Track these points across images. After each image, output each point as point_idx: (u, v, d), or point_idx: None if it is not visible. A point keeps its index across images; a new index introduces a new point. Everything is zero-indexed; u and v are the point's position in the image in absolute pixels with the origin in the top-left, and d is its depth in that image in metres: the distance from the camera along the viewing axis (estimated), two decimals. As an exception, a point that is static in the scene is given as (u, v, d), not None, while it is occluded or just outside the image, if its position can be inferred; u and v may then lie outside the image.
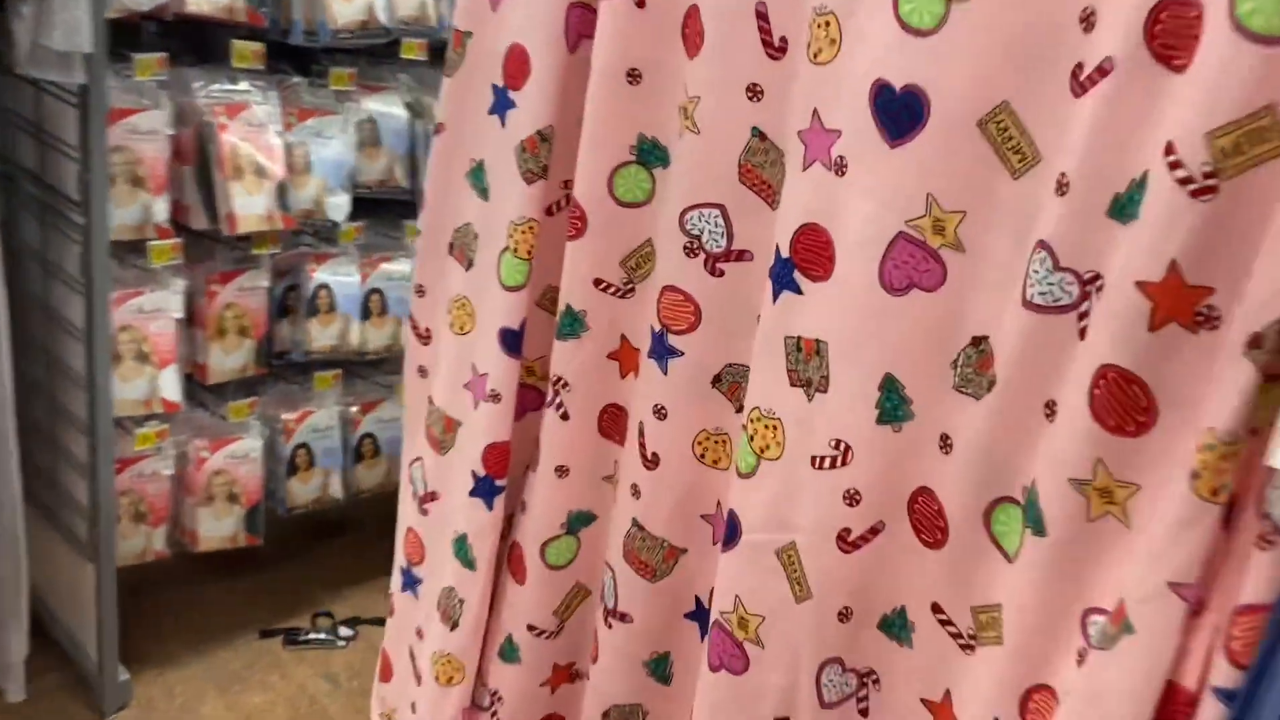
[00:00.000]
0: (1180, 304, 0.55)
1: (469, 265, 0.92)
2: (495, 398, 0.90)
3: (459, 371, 0.94)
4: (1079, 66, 0.59)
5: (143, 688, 1.41)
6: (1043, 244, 0.61)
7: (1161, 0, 0.54)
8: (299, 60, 1.50)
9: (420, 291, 0.97)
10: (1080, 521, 0.61)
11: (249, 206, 1.37)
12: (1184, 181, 0.53)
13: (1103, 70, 0.57)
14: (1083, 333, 0.61)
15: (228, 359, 1.45)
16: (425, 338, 0.98)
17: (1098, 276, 0.59)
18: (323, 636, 1.58)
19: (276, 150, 1.40)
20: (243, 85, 1.38)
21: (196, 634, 1.53)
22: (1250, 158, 0.52)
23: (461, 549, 0.95)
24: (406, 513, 1.02)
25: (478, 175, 0.90)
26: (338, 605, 1.64)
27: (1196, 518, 0.53)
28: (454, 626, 0.96)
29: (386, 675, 1.09)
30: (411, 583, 1.03)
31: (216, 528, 1.47)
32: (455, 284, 0.93)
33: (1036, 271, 0.61)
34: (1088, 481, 0.60)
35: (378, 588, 0.99)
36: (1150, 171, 0.55)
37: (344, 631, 1.59)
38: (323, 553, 1.77)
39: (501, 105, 0.86)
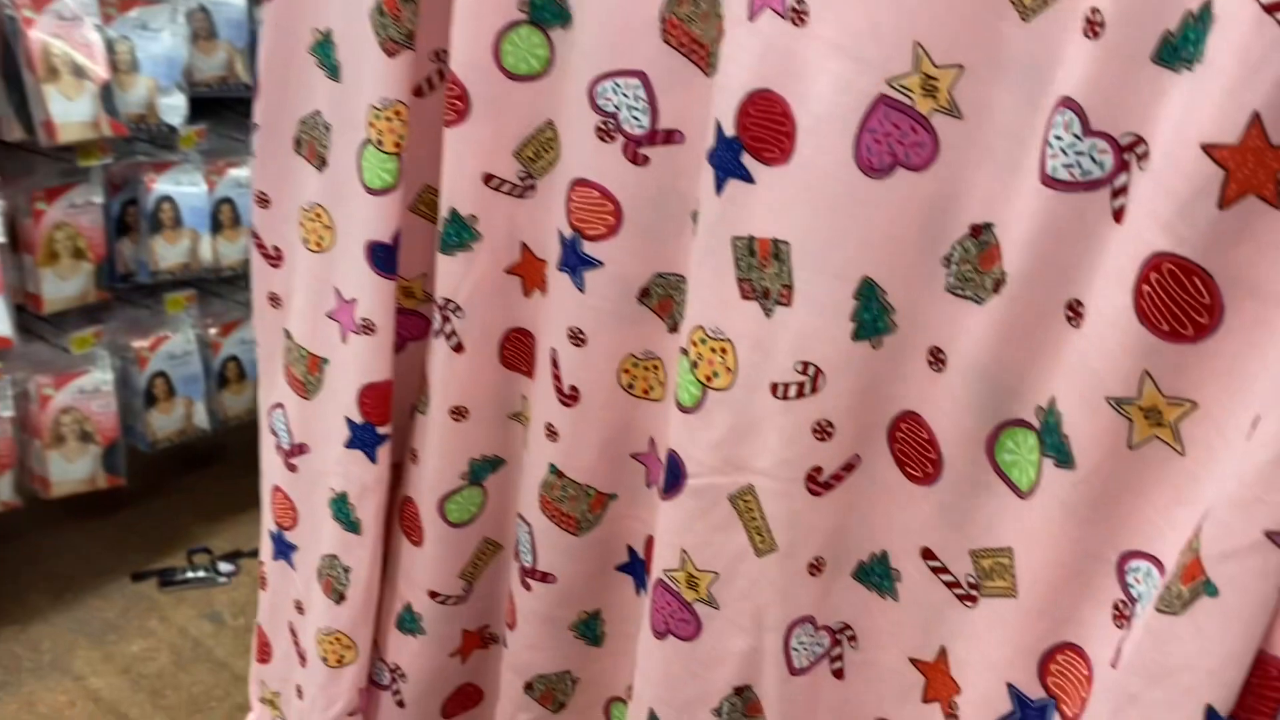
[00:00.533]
0: (1262, 170, 0.43)
1: (322, 165, 0.74)
2: (368, 328, 0.73)
3: (320, 297, 0.76)
4: None
5: (3, 645, 1.29)
6: (1067, 102, 0.48)
7: None
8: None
9: (263, 201, 0.79)
10: (1119, 449, 0.49)
11: (69, 113, 1.23)
12: (1271, 8, 0.40)
13: None
14: (1119, 214, 0.48)
15: (64, 285, 1.33)
16: (274, 258, 0.80)
17: (1139, 141, 0.47)
18: (201, 575, 1.48)
19: (96, 47, 1.25)
20: (47, -30, 1.19)
21: (61, 584, 1.41)
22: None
23: (342, 510, 0.79)
24: (271, 469, 0.86)
25: (324, 50, 0.71)
26: (215, 540, 1.54)
27: None
28: (340, 599, 0.81)
29: (264, 655, 0.93)
30: (285, 550, 0.87)
31: (70, 470, 1.37)
32: (307, 189, 0.75)
33: (1060, 138, 0.48)
34: (1130, 400, 0.48)
35: (256, 518, 0.88)
36: (1215, 1, 0.42)
37: (224, 567, 1.50)
38: (193, 486, 1.68)
39: (348, -43, 0.67)
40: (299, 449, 0.82)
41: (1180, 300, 0.46)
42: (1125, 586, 0.51)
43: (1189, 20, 0.44)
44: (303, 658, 0.87)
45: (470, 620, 0.84)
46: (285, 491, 0.85)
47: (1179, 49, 0.45)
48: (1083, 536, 0.52)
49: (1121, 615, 0.51)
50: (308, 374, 0.79)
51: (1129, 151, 0.47)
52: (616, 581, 0.76)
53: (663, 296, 0.67)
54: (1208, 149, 0.43)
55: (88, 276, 1.35)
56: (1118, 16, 0.45)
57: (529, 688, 0.79)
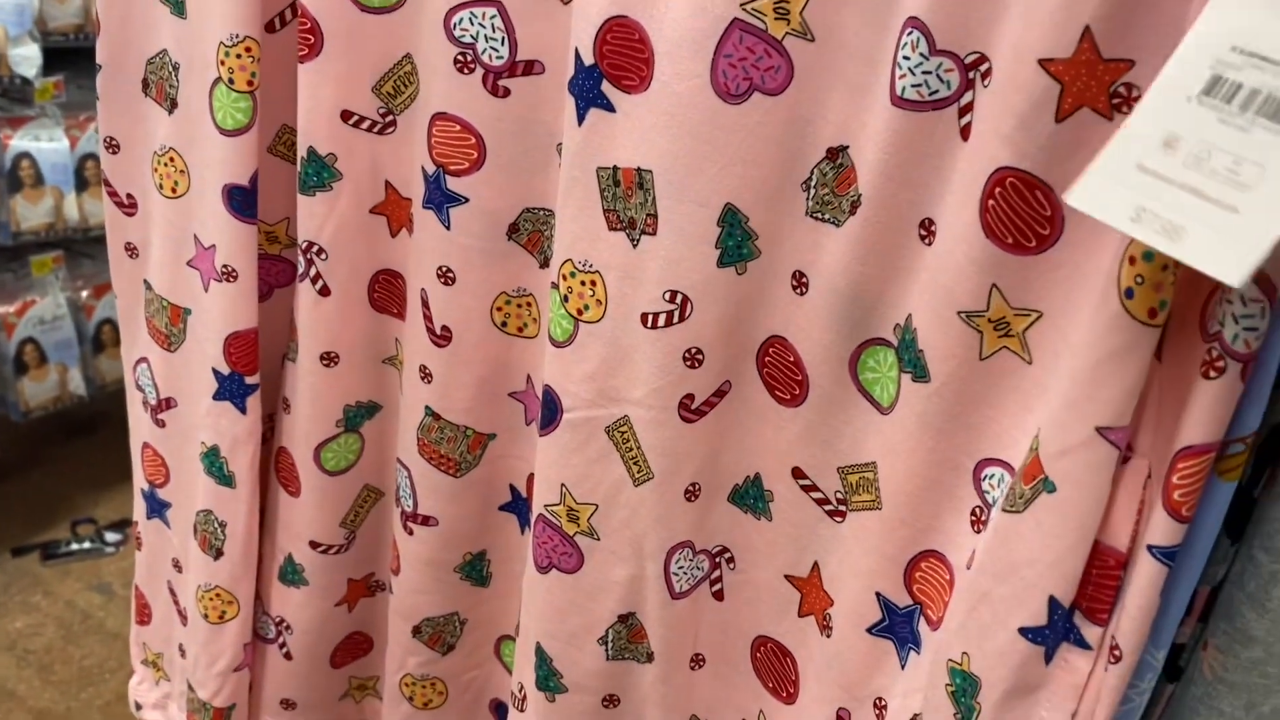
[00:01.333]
0: (1094, 84, 0.44)
1: (172, 106, 0.71)
2: (230, 275, 0.71)
3: (179, 245, 0.74)
4: None
5: (-125, 629, 1.24)
6: (914, 21, 0.48)
7: None
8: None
9: (112, 146, 0.75)
10: (971, 361, 0.51)
11: None
12: (1100, -78, 0.41)
13: None
14: (965, 131, 0.49)
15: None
16: (128, 206, 0.77)
17: (983, 58, 0.48)
18: (87, 546, 1.45)
19: None
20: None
21: (-65, 563, 1.37)
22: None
23: (214, 463, 0.77)
24: (140, 426, 0.83)
25: (167, -17, 0.68)
26: (101, 509, 1.51)
27: (1131, 345, 0.43)
28: (218, 555, 0.80)
29: (144, 617, 0.91)
30: (158, 508, 0.84)
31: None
32: (158, 133, 0.72)
33: (908, 58, 0.49)
34: (980, 312, 0.50)
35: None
36: None
37: (111, 536, 1.49)
38: (74, 455, 1.64)
39: (186, -116, 0.64)
40: (166, 403, 0.80)
41: (1023, 213, 0.47)
42: (981, 493, 0.53)
43: (1022, -60, 0.45)
44: (183, 616, 0.85)
45: (355, 569, 0.83)
46: (155, 448, 0.82)
47: (1009, -36, 0.46)
48: (939, 447, 0.53)
49: (978, 520, 0.53)
50: (170, 325, 0.77)
51: (973, 69, 0.48)
52: (500, 521, 0.76)
53: (532, 231, 0.66)
54: (1043, 63, 0.44)
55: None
56: (958, -64, 0.46)
57: (417, 631, 0.79)
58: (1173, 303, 0.43)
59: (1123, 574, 0.46)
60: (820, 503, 0.60)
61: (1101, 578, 0.46)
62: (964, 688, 0.51)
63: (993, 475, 0.52)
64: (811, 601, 0.62)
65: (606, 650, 0.67)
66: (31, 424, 1.47)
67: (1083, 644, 0.47)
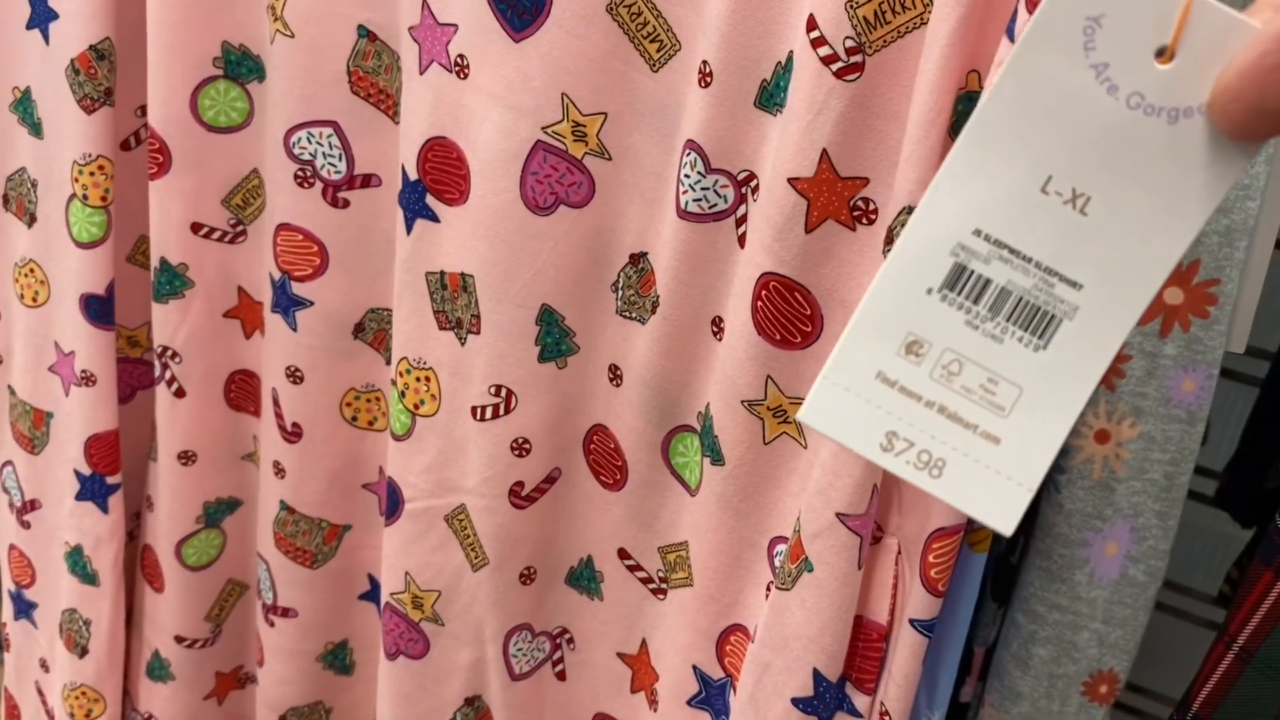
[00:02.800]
0: (836, 199, 0.50)
1: (31, 221, 0.74)
2: (89, 380, 0.73)
3: (40, 353, 0.76)
4: (708, -64, 0.51)
5: None
6: (691, 144, 0.54)
7: None
8: None
9: (-26, 259, 0.78)
10: (757, 445, 0.56)
11: None
12: (828, 60, 0.47)
13: (734, -61, 0.50)
14: (742, 239, 0.54)
15: None
16: (-10, 315, 0.79)
17: (752, 176, 0.53)
18: None
19: None
20: None
21: None
22: (894, 28, 0.46)
23: (78, 563, 0.79)
24: (5, 528, 0.84)
25: (25, 107, 0.72)
26: None
27: None
28: (83, 653, 0.81)
29: (13, 718, 0.91)
30: (25, 609, 0.85)
31: None
32: (19, 245, 0.75)
33: (689, 176, 0.54)
34: (760, 401, 0.55)
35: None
36: (794, 52, 0.49)
37: None
38: None
39: (41, 16, 0.68)
40: (31, 505, 0.81)
41: (787, 313, 0.52)
42: (773, 569, 0.57)
43: (778, 70, 0.51)
44: (51, 716, 0.85)
45: (223, 662, 0.84)
46: (21, 549, 0.84)
47: (773, 95, 0.51)
48: (738, 525, 0.58)
49: (768, 595, 0.57)
50: (33, 429, 0.79)
51: (745, 185, 0.54)
52: (360, 610, 0.78)
53: (377, 330, 0.70)
54: (792, 181, 0.50)
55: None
56: (722, 68, 0.52)
57: (282, 721, 0.80)
58: None
59: (885, 645, 0.51)
60: (644, 581, 0.64)
61: (866, 649, 0.51)
62: None
63: (780, 552, 0.57)
64: (641, 678, 0.66)
65: (454, 732, 0.70)
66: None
67: (854, 712, 0.51)
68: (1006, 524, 0.31)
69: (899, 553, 0.50)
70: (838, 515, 0.49)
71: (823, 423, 0.32)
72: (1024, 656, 0.53)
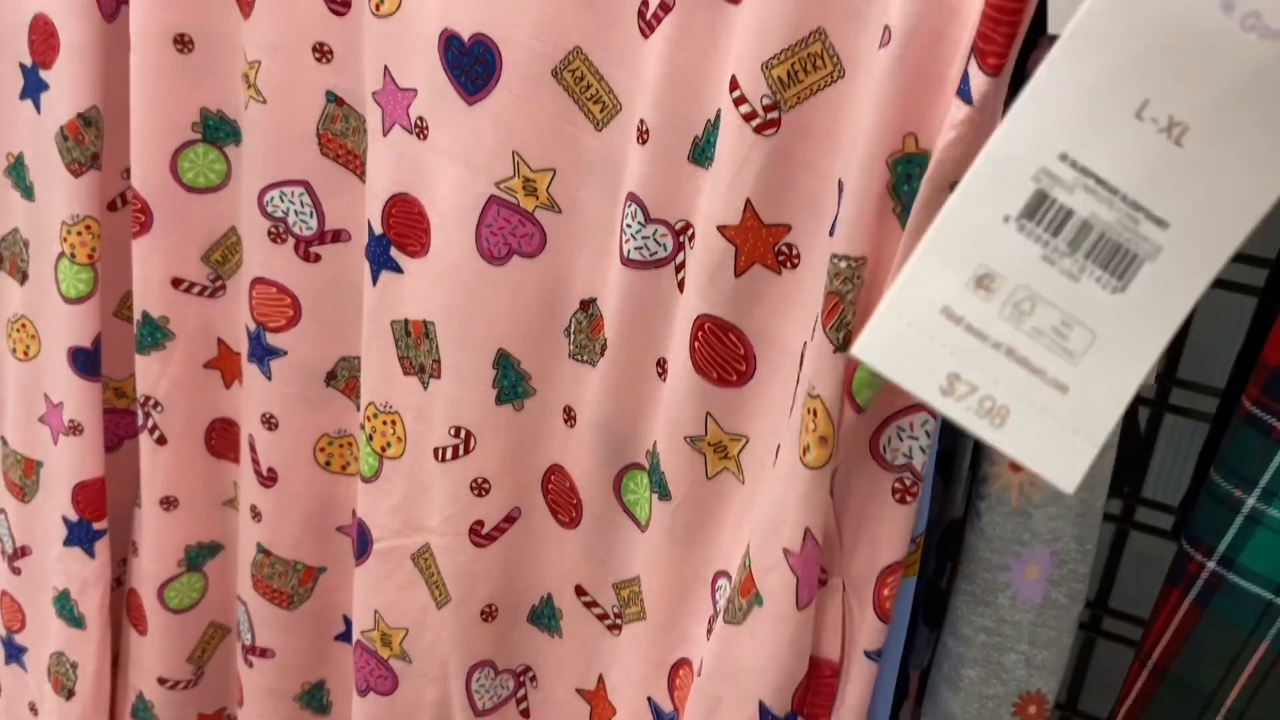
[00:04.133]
0: (761, 244, 0.54)
1: (23, 279, 0.78)
2: (76, 429, 0.77)
3: (31, 404, 0.80)
4: (644, 4, 0.55)
5: None
6: (632, 197, 0.57)
7: None
8: None
9: (-32, 316, 0.82)
10: (700, 481, 0.59)
11: None
12: (749, 117, 0.51)
13: (665, 7, 0.54)
14: (681, 285, 0.58)
15: None
16: (-16, 368, 0.83)
17: (689, 225, 0.57)
18: None
19: None
20: None
21: None
22: (806, 86, 0.50)
23: (65, 607, 0.82)
24: (-4, 574, 0.87)
25: (17, 172, 0.76)
26: None
27: (812, 480, 0.51)
28: (70, 695, 0.83)
29: (3, 764, 0.93)
30: (15, 653, 0.88)
31: None
32: (11, 302, 0.79)
33: (630, 226, 0.58)
34: (701, 438, 0.58)
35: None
36: (721, 111, 0.53)
37: None
38: None
39: (33, 87, 0.72)
40: (21, 551, 0.84)
41: (722, 352, 0.55)
42: (714, 602, 0.60)
43: (708, 127, 0.55)
44: (38, 761, 0.88)
45: (205, 704, 0.86)
46: (12, 595, 0.86)
47: (704, 150, 0.55)
48: (686, 559, 0.60)
49: (709, 629, 0.60)
50: (24, 478, 0.82)
51: (682, 234, 0.57)
52: (336, 651, 0.81)
53: (349, 378, 0.73)
54: (720, 229, 0.53)
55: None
56: (658, 126, 0.55)
57: (261, 761, 0.82)
58: (842, 443, 0.51)
59: (838, 679, 0.53)
60: (601, 618, 0.66)
61: (819, 685, 0.53)
62: None
63: (722, 586, 0.59)
64: (599, 713, 0.68)
65: (424, 768, 0.72)
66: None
67: (805, 748, 0.53)
68: (1068, 481, 0.29)
69: (844, 591, 0.53)
70: (784, 551, 0.51)
71: (880, 359, 0.30)
72: (954, 678, 0.55)
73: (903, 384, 0.30)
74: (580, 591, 0.66)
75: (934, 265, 0.29)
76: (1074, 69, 0.27)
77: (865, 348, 0.30)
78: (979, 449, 0.54)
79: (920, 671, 0.58)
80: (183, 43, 0.69)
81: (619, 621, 0.65)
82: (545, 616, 0.69)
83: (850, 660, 0.53)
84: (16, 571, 0.85)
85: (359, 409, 0.74)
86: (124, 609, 0.85)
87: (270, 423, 0.73)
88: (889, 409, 0.52)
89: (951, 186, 0.42)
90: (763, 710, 0.53)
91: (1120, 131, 0.27)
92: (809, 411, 0.50)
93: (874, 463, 0.52)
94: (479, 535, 0.67)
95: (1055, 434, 0.29)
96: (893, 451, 0.52)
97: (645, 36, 0.55)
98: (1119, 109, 0.27)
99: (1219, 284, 0.29)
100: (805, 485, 0.51)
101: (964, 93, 0.43)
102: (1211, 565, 0.50)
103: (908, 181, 0.47)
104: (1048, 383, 0.29)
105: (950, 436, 0.54)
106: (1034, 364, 0.29)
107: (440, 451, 0.66)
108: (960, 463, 0.54)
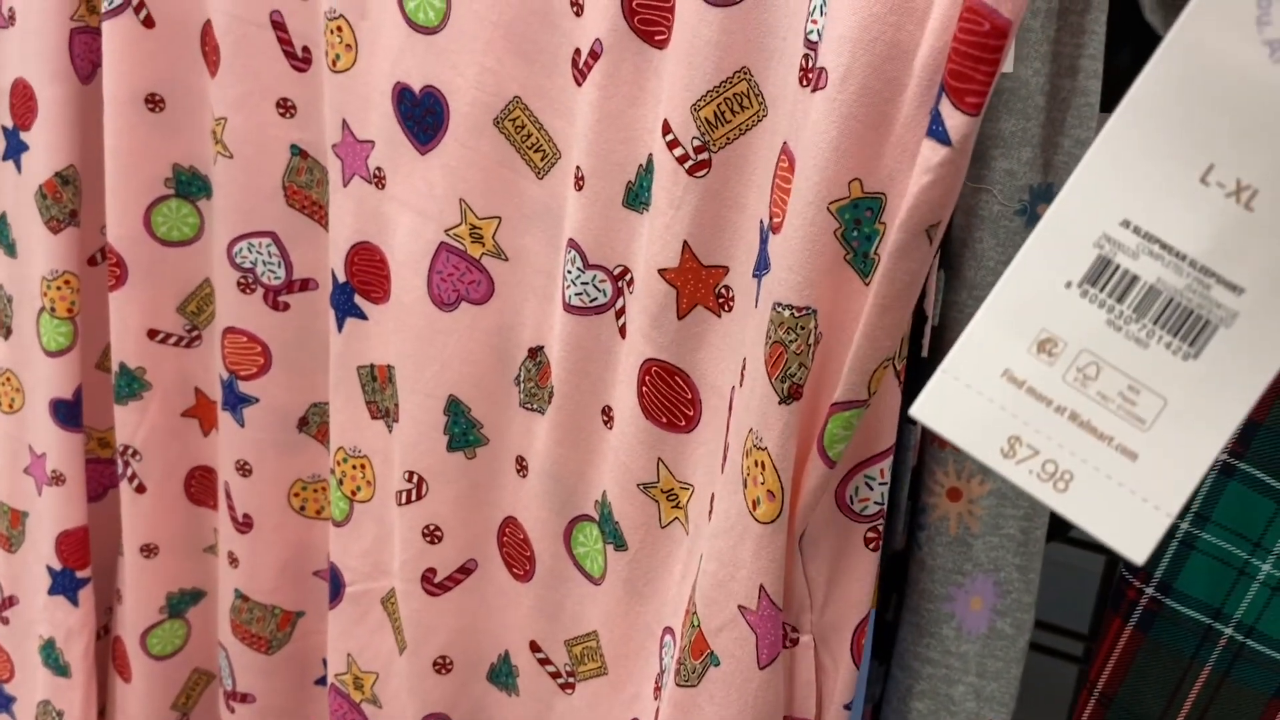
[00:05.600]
0: (702, 286, 0.54)
1: (7, 334, 0.80)
2: (58, 479, 0.79)
3: (16, 456, 0.82)
4: (577, 53, 0.57)
5: None
6: (571, 243, 0.58)
7: None
8: None
9: (-43, 370, 0.84)
10: (654, 528, 0.59)
11: None
12: (682, 159, 0.52)
13: (595, 54, 0.55)
14: (623, 330, 0.58)
15: None
16: (-27, 422, 0.85)
17: (627, 270, 0.58)
18: None
19: None
20: None
21: None
22: (734, 126, 0.51)
23: (50, 655, 0.83)
24: (-13, 624, 0.89)
25: (1, 231, 0.78)
26: None
27: (764, 534, 0.50)
28: (56, 744, 0.84)
29: (-3, 813, 0.94)
30: (4, 703, 0.89)
31: None
32: (-4, 356, 0.81)
33: (570, 272, 0.59)
34: (654, 484, 0.58)
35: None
36: (654, 154, 0.54)
37: None
38: None
39: (14, 148, 0.75)
40: (9, 601, 0.86)
41: (670, 396, 0.56)
42: (661, 661, 0.59)
43: (640, 171, 0.56)
44: (28, 809, 0.88)
45: (192, 751, 0.87)
46: (1, 645, 0.88)
47: (638, 194, 0.56)
48: (643, 611, 0.60)
49: (657, 688, 0.59)
50: (10, 528, 0.84)
51: (620, 279, 0.58)
52: (316, 695, 0.81)
53: (320, 423, 0.75)
54: (661, 272, 0.54)
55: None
56: (593, 171, 0.56)
57: (243, 808, 0.82)
58: (810, 493, 0.50)
59: None
60: (553, 676, 0.66)
61: None
62: None
63: (668, 645, 0.59)
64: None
65: (393, 812, 0.72)
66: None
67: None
68: (1139, 551, 0.28)
69: (816, 648, 0.53)
70: (739, 608, 0.51)
71: (938, 421, 0.29)
72: (903, 711, 0.55)
73: (960, 444, 0.30)
74: (534, 648, 0.66)
75: (995, 329, 0.29)
76: (1134, 134, 0.27)
77: (923, 409, 0.30)
78: (918, 478, 0.54)
79: (873, 705, 0.58)
80: (154, 102, 0.71)
81: (572, 680, 0.65)
82: (503, 674, 0.69)
83: (826, 716, 0.52)
84: (5, 621, 0.87)
85: (330, 454, 0.75)
86: (109, 657, 0.86)
87: (244, 469, 0.75)
88: (856, 459, 0.51)
89: (929, 230, 0.43)
90: None
91: (1186, 197, 0.27)
92: (756, 464, 0.49)
93: (842, 514, 0.52)
94: (431, 584, 0.67)
95: (1123, 501, 0.28)
96: (861, 502, 0.51)
97: (579, 84, 0.57)
98: (1183, 174, 0.27)
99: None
100: (757, 540, 0.50)
101: (939, 134, 0.41)
102: (1150, 591, 0.49)
103: (858, 227, 0.45)
104: (1115, 449, 0.28)
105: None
106: (1101, 429, 0.28)
107: (399, 495, 0.67)
108: (899, 494, 0.54)
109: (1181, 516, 0.48)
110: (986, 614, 0.53)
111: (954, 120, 0.41)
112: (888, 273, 0.44)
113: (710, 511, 0.54)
